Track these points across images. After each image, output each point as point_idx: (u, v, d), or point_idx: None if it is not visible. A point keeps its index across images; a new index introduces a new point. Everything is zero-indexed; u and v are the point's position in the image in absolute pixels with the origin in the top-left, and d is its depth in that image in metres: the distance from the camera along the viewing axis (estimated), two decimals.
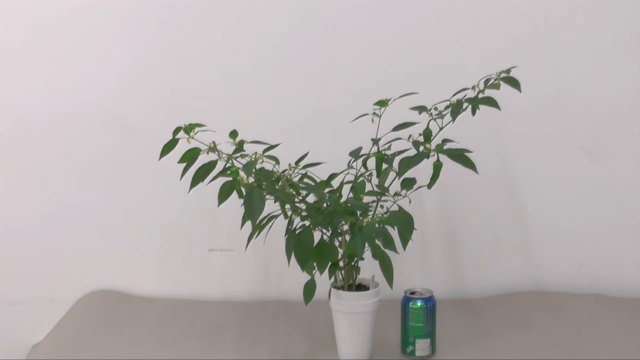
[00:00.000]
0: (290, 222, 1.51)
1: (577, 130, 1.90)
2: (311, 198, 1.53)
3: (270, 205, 1.49)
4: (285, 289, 1.92)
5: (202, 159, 1.46)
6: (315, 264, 1.48)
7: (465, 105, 1.51)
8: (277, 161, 1.49)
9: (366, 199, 1.54)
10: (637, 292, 1.91)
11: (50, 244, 1.95)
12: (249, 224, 1.44)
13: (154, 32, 1.88)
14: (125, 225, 1.95)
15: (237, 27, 1.87)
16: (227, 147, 1.48)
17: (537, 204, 1.93)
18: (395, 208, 1.53)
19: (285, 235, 1.50)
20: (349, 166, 1.61)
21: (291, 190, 1.49)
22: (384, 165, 1.57)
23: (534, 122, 1.90)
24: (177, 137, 1.45)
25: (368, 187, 1.57)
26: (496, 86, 1.51)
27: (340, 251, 1.54)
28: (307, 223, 1.50)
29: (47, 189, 1.93)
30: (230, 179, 1.44)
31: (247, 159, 1.46)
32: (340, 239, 1.54)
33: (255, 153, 1.47)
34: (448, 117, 1.52)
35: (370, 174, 1.59)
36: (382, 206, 1.54)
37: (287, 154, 1.53)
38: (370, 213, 1.52)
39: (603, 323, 1.73)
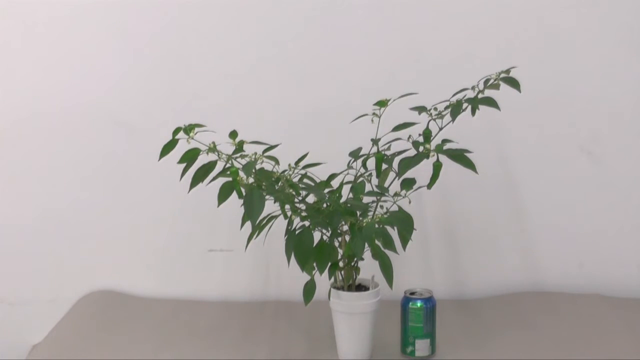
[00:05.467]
0: (290, 223, 1.51)
1: (576, 130, 1.90)
2: (311, 198, 1.53)
3: (270, 206, 1.49)
4: (285, 290, 1.92)
5: (202, 160, 1.46)
6: (315, 264, 1.48)
7: (464, 105, 1.51)
8: (276, 161, 1.49)
9: (366, 199, 1.54)
10: (637, 292, 1.91)
11: (50, 244, 1.95)
12: (248, 224, 1.44)
13: (154, 33, 1.88)
14: (125, 225, 1.95)
15: (237, 28, 1.87)
16: (227, 147, 1.48)
17: (536, 204, 1.93)
18: (395, 208, 1.53)
19: (285, 236, 1.50)
20: (349, 166, 1.61)
21: (291, 190, 1.49)
22: (384, 166, 1.57)
23: (534, 122, 1.90)
24: (176, 137, 1.45)
25: (368, 188, 1.57)
26: (496, 86, 1.51)
27: (340, 251, 1.54)
28: (306, 223, 1.50)
29: (47, 189, 1.93)
30: (230, 179, 1.44)
31: (247, 159, 1.46)
32: (340, 239, 1.54)
33: (255, 153, 1.47)
34: (448, 118, 1.52)
35: (370, 175, 1.59)
36: (381, 206, 1.54)
37: (286, 155, 1.53)
38: (370, 213, 1.52)
39: (603, 323, 1.73)
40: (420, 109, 1.56)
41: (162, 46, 1.88)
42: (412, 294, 1.59)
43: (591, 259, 1.95)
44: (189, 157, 1.45)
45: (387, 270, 1.47)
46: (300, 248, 1.46)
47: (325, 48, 1.88)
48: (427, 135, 1.54)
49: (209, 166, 1.46)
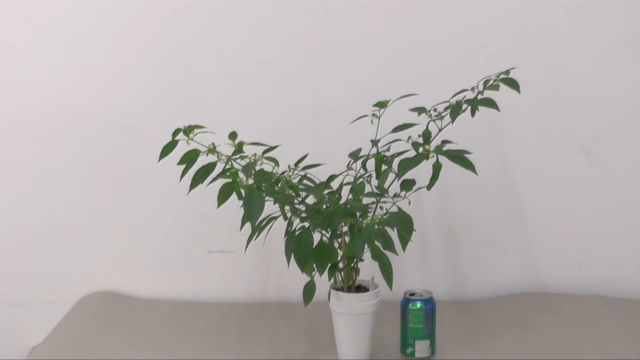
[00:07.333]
0: (290, 224, 1.51)
1: (576, 131, 1.90)
2: (310, 199, 1.53)
3: (270, 207, 1.48)
4: (284, 291, 1.92)
5: (202, 161, 1.46)
6: (314, 265, 1.48)
7: (464, 106, 1.51)
8: (276, 162, 1.49)
9: (365, 200, 1.54)
10: (636, 293, 1.91)
11: (50, 246, 1.95)
12: (248, 225, 1.44)
13: (154, 33, 1.88)
14: (125, 226, 1.95)
15: (238, 29, 1.87)
16: (227, 148, 1.48)
17: (536, 204, 1.93)
18: (394, 209, 1.53)
19: (284, 237, 1.50)
20: (349, 167, 1.61)
21: (290, 191, 1.49)
22: (384, 167, 1.57)
23: (533, 123, 1.90)
24: (176, 138, 1.45)
25: (367, 189, 1.57)
26: (495, 87, 1.51)
27: (340, 252, 1.54)
28: (306, 224, 1.50)
29: (48, 190, 1.93)
30: (230, 180, 1.44)
31: (247, 160, 1.46)
32: (339, 240, 1.54)
33: (255, 154, 1.47)
34: (447, 119, 1.52)
35: (370, 175, 1.59)
36: (381, 207, 1.54)
37: (286, 156, 1.53)
38: (370, 214, 1.52)
39: (602, 324, 1.73)
40: (420, 110, 1.56)
41: (162, 46, 1.88)
42: (412, 294, 1.59)
43: (591, 260, 1.95)
44: (189, 158, 1.45)
45: (386, 271, 1.47)
46: (300, 249, 1.46)
47: (325, 49, 1.88)
48: (426, 136, 1.54)
49: (209, 167, 1.46)
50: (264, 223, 1.51)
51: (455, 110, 1.51)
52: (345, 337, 1.56)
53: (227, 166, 1.46)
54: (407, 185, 1.54)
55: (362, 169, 1.59)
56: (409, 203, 1.53)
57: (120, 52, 1.89)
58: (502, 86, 1.51)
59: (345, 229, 1.53)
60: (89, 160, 1.92)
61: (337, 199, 1.54)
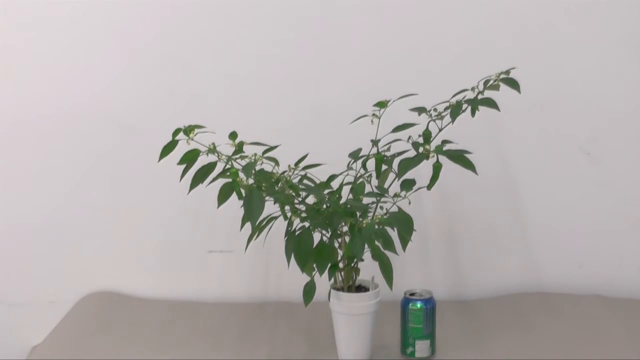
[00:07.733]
0: (290, 224, 1.51)
1: (576, 131, 1.90)
2: (311, 199, 1.53)
3: (270, 207, 1.48)
4: (284, 291, 1.92)
5: (202, 161, 1.46)
6: (314, 265, 1.48)
7: (464, 106, 1.51)
8: (276, 162, 1.49)
9: (366, 200, 1.54)
10: (636, 293, 1.91)
11: (50, 246, 1.95)
12: (248, 225, 1.44)
13: (154, 33, 1.88)
14: (125, 226, 1.95)
15: (237, 29, 1.87)
16: (227, 148, 1.48)
17: (536, 204, 1.93)
18: (394, 209, 1.53)
19: (284, 237, 1.50)
20: (349, 167, 1.61)
21: (291, 191, 1.49)
22: (384, 167, 1.57)
23: (534, 123, 1.90)
24: (176, 138, 1.45)
25: (368, 189, 1.57)
26: (495, 87, 1.51)
27: (340, 252, 1.54)
28: (306, 224, 1.50)
29: (47, 189, 1.93)
30: (230, 180, 1.44)
31: (247, 160, 1.46)
32: (339, 240, 1.54)
33: (255, 154, 1.47)
34: (447, 119, 1.52)
35: (370, 175, 1.59)
36: (381, 207, 1.54)
37: (286, 156, 1.53)
38: (370, 214, 1.52)
39: (602, 324, 1.73)
40: (420, 110, 1.56)
41: (162, 46, 1.88)
42: (412, 294, 1.59)
43: (591, 260, 1.95)
44: (189, 158, 1.45)
45: (387, 271, 1.47)
46: (300, 249, 1.46)
47: (325, 48, 1.88)
48: (426, 136, 1.54)
49: (209, 167, 1.46)
50: (264, 223, 1.51)
51: (455, 110, 1.51)
52: (345, 337, 1.56)
53: (227, 166, 1.46)
54: (407, 185, 1.53)
55: (362, 169, 1.59)
56: (409, 203, 1.53)
57: (120, 52, 1.89)
58: (502, 86, 1.51)
59: (345, 229, 1.53)
60: (89, 160, 1.92)
61: (337, 199, 1.54)
